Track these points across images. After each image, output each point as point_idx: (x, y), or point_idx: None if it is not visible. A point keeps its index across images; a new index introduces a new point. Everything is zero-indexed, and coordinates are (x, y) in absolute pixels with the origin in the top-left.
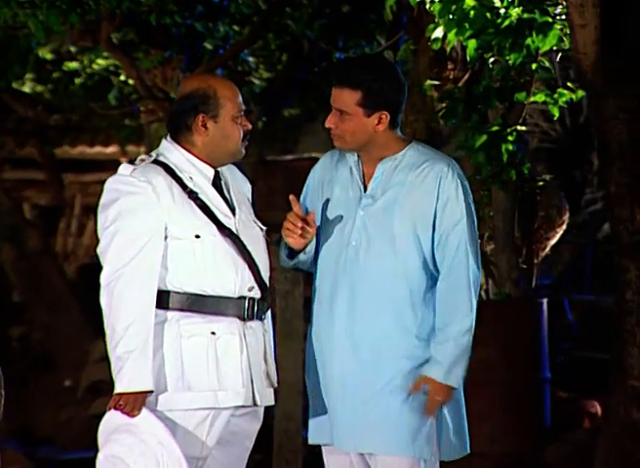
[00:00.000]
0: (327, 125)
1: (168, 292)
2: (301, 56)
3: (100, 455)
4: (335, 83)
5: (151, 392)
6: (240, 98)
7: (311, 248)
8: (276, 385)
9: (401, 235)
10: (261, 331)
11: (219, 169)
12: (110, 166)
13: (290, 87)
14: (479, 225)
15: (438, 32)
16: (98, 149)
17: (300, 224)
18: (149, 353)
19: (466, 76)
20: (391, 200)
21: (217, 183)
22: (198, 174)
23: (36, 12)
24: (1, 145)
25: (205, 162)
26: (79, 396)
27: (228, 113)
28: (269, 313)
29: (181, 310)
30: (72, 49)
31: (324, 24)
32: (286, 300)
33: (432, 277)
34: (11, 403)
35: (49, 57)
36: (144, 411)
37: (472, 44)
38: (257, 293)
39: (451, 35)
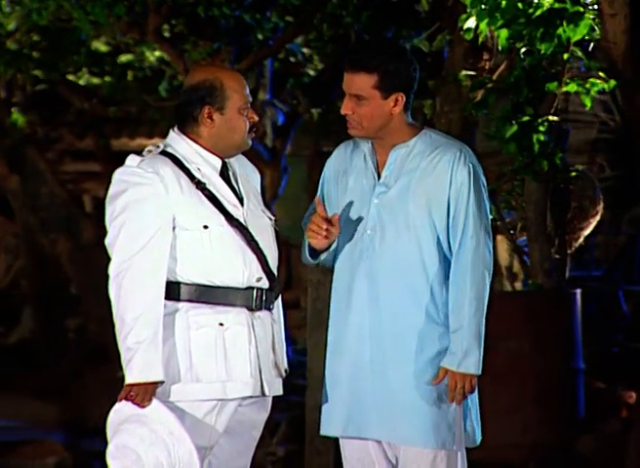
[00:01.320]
0: (343, 112)
1: (176, 284)
2: (349, 47)
3: (110, 446)
4: (349, 68)
5: (162, 382)
6: (247, 91)
7: (334, 247)
8: (284, 375)
9: (416, 221)
10: (270, 322)
11: (227, 159)
12: None
13: (339, 78)
14: (511, 215)
15: (470, 22)
16: (156, 141)
17: (324, 226)
18: (159, 344)
19: (502, 66)
20: (405, 187)
21: (224, 174)
22: (206, 164)
23: (82, 3)
24: (60, 138)
25: (212, 153)
26: None
27: (235, 105)
28: (279, 303)
29: (190, 301)
30: (128, 41)
31: (372, 15)
32: (317, 291)
33: (449, 263)
34: (65, 394)
35: (104, 49)
36: (155, 402)
37: (504, 34)
38: (265, 284)
39: (482, 25)
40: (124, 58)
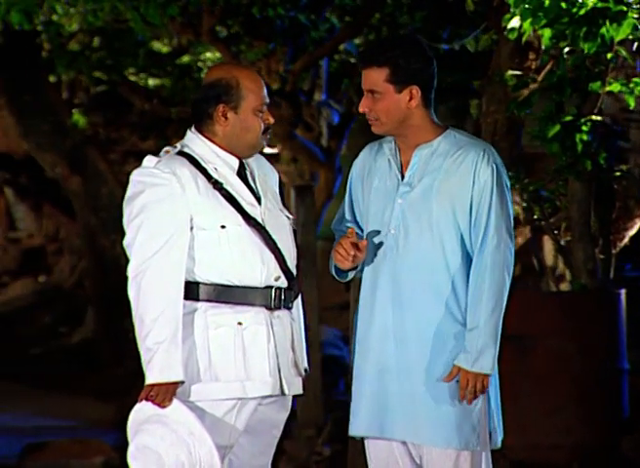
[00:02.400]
0: (360, 109)
1: (195, 283)
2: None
3: (131, 446)
4: (362, 65)
5: (182, 382)
6: (264, 92)
7: (360, 268)
8: (304, 374)
9: (439, 221)
10: (289, 321)
11: (244, 159)
12: None
13: None
14: (556, 215)
15: (514, 22)
16: None
17: (352, 252)
18: (179, 344)
19: (549, 66)
20: (428, 186)
21: (242, 173)
22: (223, 164)
23: (136, 4)
24: (123, 139)
25: (229, 152)
26: None
27: (250, 105)
28: (299, 301)
29: (209, 301)
30: (183, 42)
31: (427, 15)
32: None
33: (472, 262)
34: (125, 395)
35: (165, 50)
36: (175, 402)
37: (547, 33)
38: (283, 283)
39: (526, 24)
40: (184, 58)
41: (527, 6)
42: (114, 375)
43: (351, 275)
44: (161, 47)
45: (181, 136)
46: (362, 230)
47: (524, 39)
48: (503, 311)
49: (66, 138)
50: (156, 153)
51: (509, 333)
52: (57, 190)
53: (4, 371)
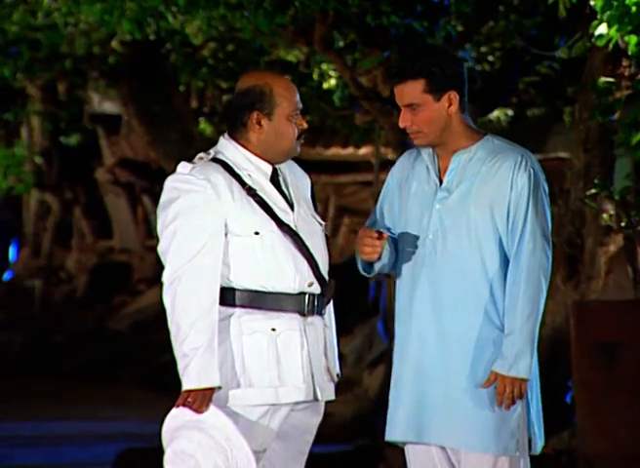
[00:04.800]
0: (401, 124)
1: (229, 289)
2: (515, 55)
3: (168, 451)
4: (395, 81)
5: (219, 388)
6: (297, 97)
7: (385, 255)
8: (337, 380)
9: (478, 226)
10: (322, 326)
11: (277, 165)
12: (364, 167)
13: (505, 86)
14: None
15: (602, 29)
16: (351, 150)
17: (377, 243)
18: (215, 349)
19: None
20: (466, 192)
21: (275, 180)
22: (256, 170)
23: (244, 13)
24: None
25: (262, 158)
26: None
27: (283, 111)
28: (330, 307)
29: (242, 307)
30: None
31: (538, 23)
32: None
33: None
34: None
35: (291, 58)
36: (212, 407)
37: (633, 40)
38: (316, 289)
39: (612, 31)
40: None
41: (613, 12)
42: None
43: (377, 268)
44: (285, 55)
45: (316, 144)
46: (393, 237)
47: (610, 46)
48: (540, 316)
49: (193, 147)
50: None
51: (597, 342)
52: None
53: (134, 378)
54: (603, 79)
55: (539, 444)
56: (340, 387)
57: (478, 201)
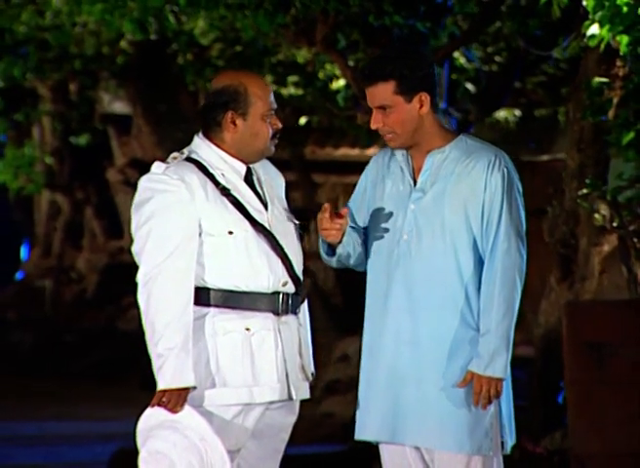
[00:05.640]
0: (373, 126)
1: (204, 289)
2: (518, 55)
3: (142, 451)
4: (366, 84)
5: (194, 388)
6: (272, 97)
7: (348, 241)
8: (311, 379)
9: (452, 226)
10: (296, 326)
11: (251, 165)
12: None
13: (506, 86)
14: (635, 222)
15: (594, 29)
16: (359, 151)
17: (336, 224)
18: (190, 349)
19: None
20: (440, 192)
21: (249, 179)
22: (230, 170)
23: (245, 13)
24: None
25: (236, 158)
26: (316, 394)
27: (258, 111)
28: (305, 306)
29: (217, 306)
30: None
31: (539, 23)
32: None
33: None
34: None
35: (300, 60)
36: (187, 408)
37: (625, 40)
38: (290, 288)
39: (604, 31)
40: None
41: (605, 13)
42: None
43: (339, 252)
44: (291, 56)
45: (325, 145)
46: (360, 233)
47: (602, 46)
48: (516, 315)
49: None
50: (292, 162)
51: (588, 341)
52: None
53: (140, 379)
54: (597, 79)
55: (509, 443)
56: (342, 387)
57: (452, 201)
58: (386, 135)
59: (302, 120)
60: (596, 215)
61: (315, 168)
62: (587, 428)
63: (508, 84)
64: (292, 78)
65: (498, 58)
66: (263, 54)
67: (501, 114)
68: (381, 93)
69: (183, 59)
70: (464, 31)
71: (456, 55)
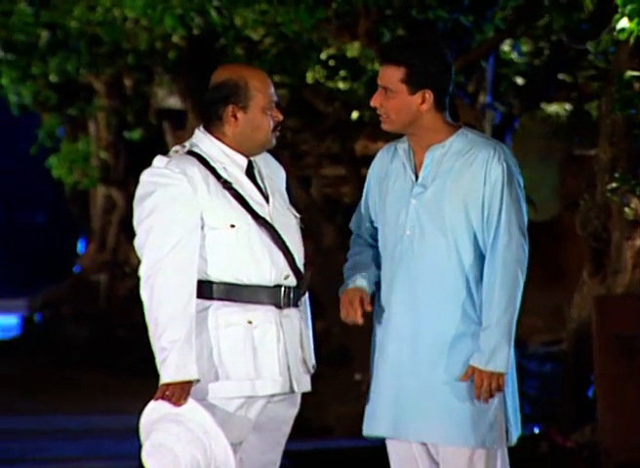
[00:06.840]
0: (371, 104)
1: (206, 282)
2: (561, 49)
3: (146, 444)
4: (381, 61)
5: (197, 381)
6: (272, 90)
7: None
8: (312, 371)
9: (453, 221)
10: (298, 319)
11: (252, 158)
12: None
13: (550, 80)
14: None
15: (623, 22)
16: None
17: (360, 311)
18: (193, 343)
19: None
20: (441, 187)
21: (250, 172)
22: (231, 163)
23: (287, 9)
24: (305, 141)
25: (238, 151)
26: (364, 389)
27: (258, 104)
28: (306, 299)
29: (219, 299)
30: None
31: (586, 16)
32: None
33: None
34: (305, 394)
35: (349, 54)
36: (190, 401)
37: None
38: (292, 281)
39: (632, 24)
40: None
41: (634, 6)
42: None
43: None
44: (338, 50)
45: (369, 137)
46: (376, 231)
47: (632, 39)
48: (518, 309)
49: None
50: (342, 156)
51: (618, 335)
52: None
53: None
54: (629, 73)
55: (514, 434)
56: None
57: (452, 196)
58: (381, 116)
59: (355, 114)
60: (627, 209)
61: (365, 162)
62: (617, 421)
63: (552, 78)
64: (341, 72)
65: (546, 52)
66: (312, 48)
67: (552, 108)
68: (389, 75)
69: (233, 54)
70: (509, 25)
71: (506, 49)
